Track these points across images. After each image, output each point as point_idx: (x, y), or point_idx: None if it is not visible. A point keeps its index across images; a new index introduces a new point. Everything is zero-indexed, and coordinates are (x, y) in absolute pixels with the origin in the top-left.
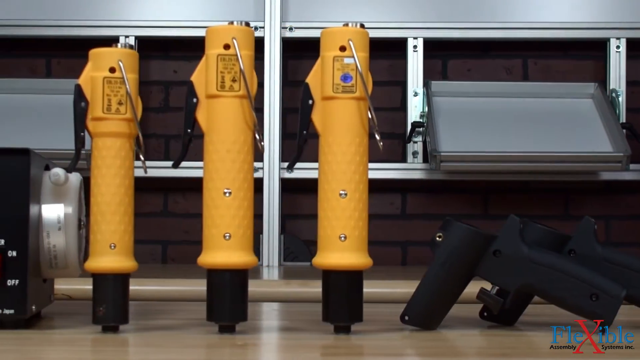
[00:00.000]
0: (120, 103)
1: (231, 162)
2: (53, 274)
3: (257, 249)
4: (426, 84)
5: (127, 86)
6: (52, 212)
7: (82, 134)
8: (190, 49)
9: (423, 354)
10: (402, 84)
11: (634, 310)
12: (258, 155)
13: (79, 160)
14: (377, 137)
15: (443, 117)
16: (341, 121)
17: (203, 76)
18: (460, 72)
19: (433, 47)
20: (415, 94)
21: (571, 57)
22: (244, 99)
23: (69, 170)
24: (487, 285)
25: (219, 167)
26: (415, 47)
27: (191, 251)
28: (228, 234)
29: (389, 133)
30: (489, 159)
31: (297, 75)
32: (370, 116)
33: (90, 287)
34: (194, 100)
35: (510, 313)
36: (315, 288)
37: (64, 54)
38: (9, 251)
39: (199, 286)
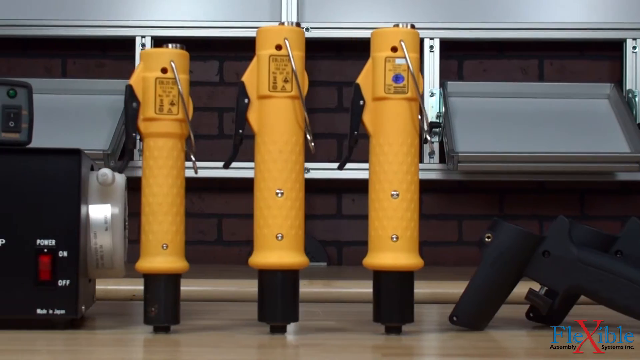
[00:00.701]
0: (172, 103)
1: (283, 163)
2: (99, 274)
3: None
4: (442, 85)
5: (179, 86)
6: (99, 212)
7: (134, 134)
8: (205, 49)
9: (473, 354)
10: None
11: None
12: None
13: (129, 160)
14: (428, 137)
15: (459, 118)
16: (393, 122)
17: (254, 77)
18: (476, 73)
19: (449, 48)
20: (432, 95)
21: (587, 58)
22: (295, 99)
23: (119, 170)
24: (532, 286)
25: (271, 167)
26: (431, 47)
27: (207, 251)
28: (280, 235)
29: None
30: (506, 160)
31: (313, 75)
32: (420, 117)
33: (124, 287)
34: (246, 100)
35: (557, 314)
36: (338, 288)
37: (80, 54)
38: (60, 251)
39: (238, 287)
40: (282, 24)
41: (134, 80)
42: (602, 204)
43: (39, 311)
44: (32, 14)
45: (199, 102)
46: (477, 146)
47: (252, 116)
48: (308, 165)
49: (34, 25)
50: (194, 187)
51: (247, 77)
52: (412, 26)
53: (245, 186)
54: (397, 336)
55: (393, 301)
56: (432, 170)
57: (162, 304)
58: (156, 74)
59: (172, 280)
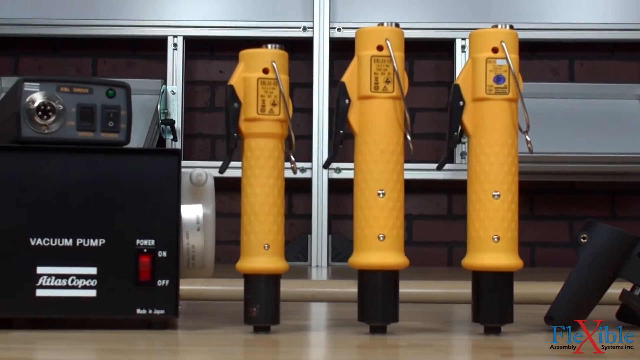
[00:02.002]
0: (273, 104)
1: (385, 163)
2: (189, 274)
3: (305, 250)
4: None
5: (281, 87)
6: (191, 212)
7: (235, 134)
8: (236, 48)
9: (571, 354)
10: (448, 84)
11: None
12: (307, 155)
13: (231, 161)
14: (528, 138)
15: None
16: (493, 122)
17: (355, 77)
18: None
19: None
20: None
21: (618, 58)
22: (397, 99)
23: (220, 171)
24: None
25: (372, 168)
26: (463, 47)
27: (238, 252)
28: (382, 235)
29: (435, 133)
30: (536, 160)
31: (341, 76)
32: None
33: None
34: (347, 101)
35: None
36: None
37: (110, 53)
38: (159, 251)
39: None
40: (382, 24)
41: (234, 81)
42: (632, 204)
43: (138, 311)
44: (63, 14)
45: None
46: None
47: (353, 117)
48: (340, 165)
49: (65, 25)
50: (225, 188)
51: (348, 78)
52: (511, 27)
53: None
54: (496, 336)
55: (493, 302)
56: (463, 170)
57: (264, 305)
58: (258, 74)
59: (273, 280)
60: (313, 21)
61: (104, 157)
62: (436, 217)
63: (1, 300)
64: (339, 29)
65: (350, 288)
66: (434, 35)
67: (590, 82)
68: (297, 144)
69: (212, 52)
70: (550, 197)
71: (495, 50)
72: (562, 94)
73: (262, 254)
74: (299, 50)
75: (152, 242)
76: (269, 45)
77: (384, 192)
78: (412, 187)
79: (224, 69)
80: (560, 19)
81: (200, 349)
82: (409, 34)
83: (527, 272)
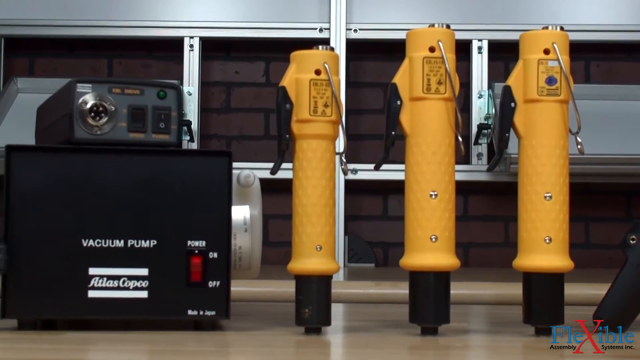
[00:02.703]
0: (325, 105)
1: (437, 165)
2: (235, 275)
3: None
4: (490, 86)
5: (333, 88)
6: (239, 213)
7: (287, 136)
8: (252, 49)
9: (623, 355)
10: (466, 85)
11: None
12: None
13: (282, 162)
14: (578, 139)
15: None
16: (545, 124)
17: (406, 79)
18: None
19: (495, 49)
20: (480, 96)
21: (634, 60)
22: (449, 101)
23: (272, 172)
24: None
25: (424, 169)
26: (480, 48)
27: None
28: (434, 236)
29: None
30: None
31: (358, 76)
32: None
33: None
34: (398, 102)
35: None
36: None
37: (126, 54)
38: (210, 252)
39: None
40: (433, 25)
41: (286, 82)
42: None
43: (189, 312)
44: (78, 15)
45: (244, 103)
46: None
47: (404, 118)
48: (355, 166)
49: (80, 26)
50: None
51: (399, 79)
52: (562, 28)
53: (288, 187)
54: (547, 337)
55: (544, 303)
56: (480, 171)
57: (315, 306)
58: (310, 75)
59: (324, 281)
60: (329, 22)
61: (155, 158)
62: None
63: (54, 301)
64: (355, 30)
65: (372, 289)
66: None
67: (606, 84)
68: None
69: (228, 53)
70: None
71: (546, 51)
72: (577, 95)
73: (314, 255)
74: None
75: (203, 243)
76: (320, 47)
77: (436, 193)
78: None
79: (239, 69)
80: (576, 20)
81: (252, 349)
82: None
83: None
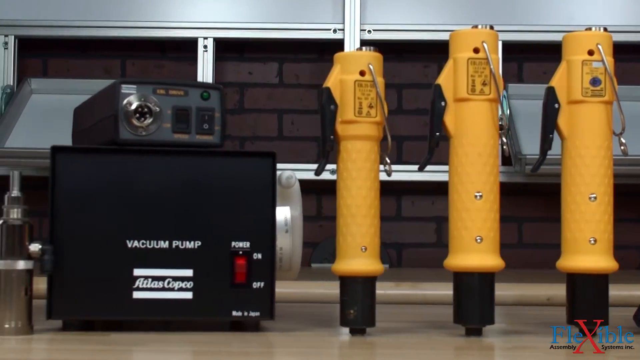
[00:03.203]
0: (370, 106)
1: (482, 166)
2: (276, 276)
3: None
4: (504, 87)
5: (378, 89)
6: (280, 214)
7: (331, 137)
8: (265, 50)
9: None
10: None
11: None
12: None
13: (327, 163)
14: (622, 140)
15: (522, 120)
16: (590, 125)
17: (450, 79)
18: (536, 75)
19: (508, 50)
20: None
21: None
22: (493, 102)
23: (317, 173)
24: None
25: (469, 170)
26: None
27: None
28: (479, 237)
29: None
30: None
31: None
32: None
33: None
34: (442, 103)
35: None
36: (426, 290)
37: (139, 55)
38: (255, 253)
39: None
40: (476, 27)
41: (331, 83)
42: None
43: (234, 313)
44: (91, 15)
45: (257, 104)
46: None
47: (449, 119)
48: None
49: (93, 27)
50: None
51: (443, 80)
52: (605, 29)
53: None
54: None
55: (589, 303)
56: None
57: (361, 307)
58: (355, 76)
59: (369, 282)
60: (344, 23)
61: (199, 159)
62: None
63: (99, 302)
64: (369, 31)
65: (392, 290)
66: None
67: (622, 84)
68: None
69: (241, 54)
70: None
71: (591, 52)
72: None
73: (359, 255)
74: (329, 52)
75: (247, 245)
76: (364, 48)
77: (481, 194)
78: (442, 189)
79: (253, 70)
80: (590, 21)
81: (297, 350)
82: (438, 36)
83: None
